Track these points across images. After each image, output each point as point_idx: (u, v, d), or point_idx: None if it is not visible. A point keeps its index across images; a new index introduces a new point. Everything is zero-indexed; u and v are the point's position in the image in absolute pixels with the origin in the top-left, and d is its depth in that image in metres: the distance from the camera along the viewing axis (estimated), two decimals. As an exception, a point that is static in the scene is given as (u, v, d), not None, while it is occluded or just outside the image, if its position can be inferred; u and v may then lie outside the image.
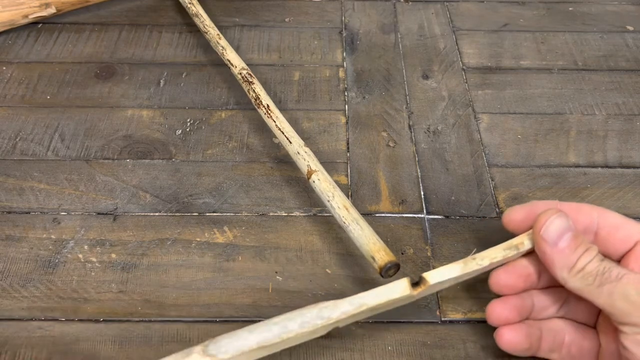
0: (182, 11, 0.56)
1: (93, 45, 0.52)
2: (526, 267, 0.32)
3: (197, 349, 0.27)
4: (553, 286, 0.32)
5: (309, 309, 0.28)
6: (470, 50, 0.52)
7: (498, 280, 0.32)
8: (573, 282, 0.28)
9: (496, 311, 0.31)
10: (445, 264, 0.31)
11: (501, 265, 0.32)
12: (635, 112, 0.47)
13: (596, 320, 0.31)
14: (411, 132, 0.45)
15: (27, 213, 0.39)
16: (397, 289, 0.29)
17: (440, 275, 0.30)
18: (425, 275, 0.30)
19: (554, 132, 0.45)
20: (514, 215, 0.32)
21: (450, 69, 0.51)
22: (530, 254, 0.32)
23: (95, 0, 0.55)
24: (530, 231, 0.31)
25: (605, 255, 0.31)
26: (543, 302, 0.32)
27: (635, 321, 0.26)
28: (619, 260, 0.31)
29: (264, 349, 0.27)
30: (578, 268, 0.28)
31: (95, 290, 0.35)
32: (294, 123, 0.42)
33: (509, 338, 0.31)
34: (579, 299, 0.32)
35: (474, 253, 0.31)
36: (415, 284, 0.30)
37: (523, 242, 0.31)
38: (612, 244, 0.31)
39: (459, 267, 0.30)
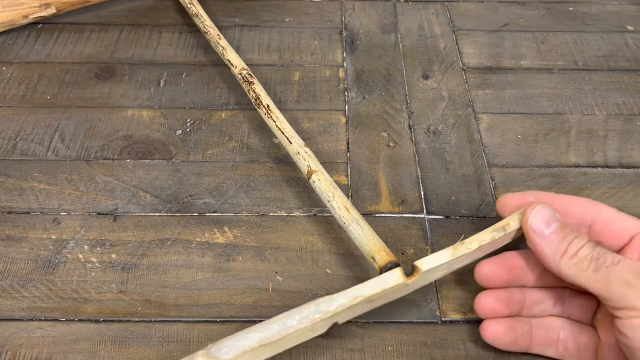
0: (182, 11, 0.56)
1: (93, 45, 0.52)
2: (510, 258, 0.32)
3: (200, 352, 0.27)
4: (546, 286, 0.32)
5: (306, 305, 0.29)
6: (470, 50, 0.52)
7: (481, 270, 0.32)
8: (567, 269, 0.28)
9: (482, 302, 0.32)
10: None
11: (490, 254, 0.32)
12: (636, 112, 0.47)
13: (592, 318, 0.31)
14: (411, 132, 0.45)
15: (27, 213, 0.39)
16: (391, 279, 0.30)
17: (432, 262, 0.30)
18: (418, 263, 0.30)
19: (554, 132, 0.45)
20: (507, 202, 0.33)
21: (450, 69, 0.51)
22: (520, 250, 0.32)
23: (95, 0, 0.55)
24: (517, 213, 0.31)
25: None
26: (535, 298, 0.32)
27: (632, 304, 0.26)
28: None
29: (265, 347, 0.27)
30: (570, 254, 0.28)
31: (96, 291, 0.35)
32: (294, 123, 0.42)
33: (491, 330, 0.31)
34: (574, 297, 0.32)
35: (463, 239, 0.31)
36: (409, 273, 0.30)
37: (509, 223, 0.31)
38: (606, 237, 0.31)
39: (449, 253, 0.31)
